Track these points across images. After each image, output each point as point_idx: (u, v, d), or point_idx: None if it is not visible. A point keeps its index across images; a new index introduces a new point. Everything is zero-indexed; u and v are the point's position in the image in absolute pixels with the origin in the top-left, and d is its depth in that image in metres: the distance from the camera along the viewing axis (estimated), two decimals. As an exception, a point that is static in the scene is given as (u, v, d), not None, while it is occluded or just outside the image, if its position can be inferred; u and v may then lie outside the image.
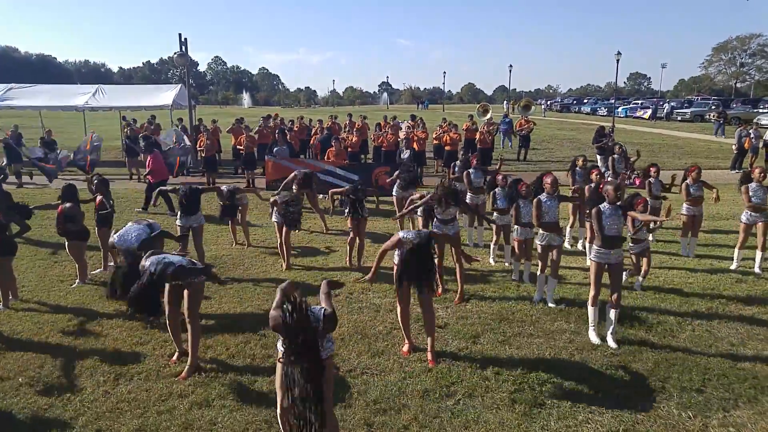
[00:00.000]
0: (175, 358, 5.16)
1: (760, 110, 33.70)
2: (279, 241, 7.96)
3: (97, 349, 5.43)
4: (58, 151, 16.33)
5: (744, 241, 7.69)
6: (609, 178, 9.53)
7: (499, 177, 7.86)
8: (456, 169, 10.17)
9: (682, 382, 4.74)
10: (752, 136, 17.18)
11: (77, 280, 7.36)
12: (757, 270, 7.65)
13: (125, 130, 18.35)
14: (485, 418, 4.19)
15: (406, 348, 5.32)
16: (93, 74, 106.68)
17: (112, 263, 8.09)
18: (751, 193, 7.57)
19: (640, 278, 6.99)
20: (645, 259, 6.89)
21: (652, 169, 8.80)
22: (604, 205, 5.53)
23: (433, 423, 4.13)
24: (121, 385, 4.72)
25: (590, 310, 5.62)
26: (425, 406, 4.36)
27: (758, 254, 7.65)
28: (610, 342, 5.45)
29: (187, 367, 4.90)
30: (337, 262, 8.28)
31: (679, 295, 6.76)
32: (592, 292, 5.59)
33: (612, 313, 5.50)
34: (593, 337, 5.54)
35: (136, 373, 4.93)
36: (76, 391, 4.63)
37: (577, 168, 9.25)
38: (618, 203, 5.59)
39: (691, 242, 8.50)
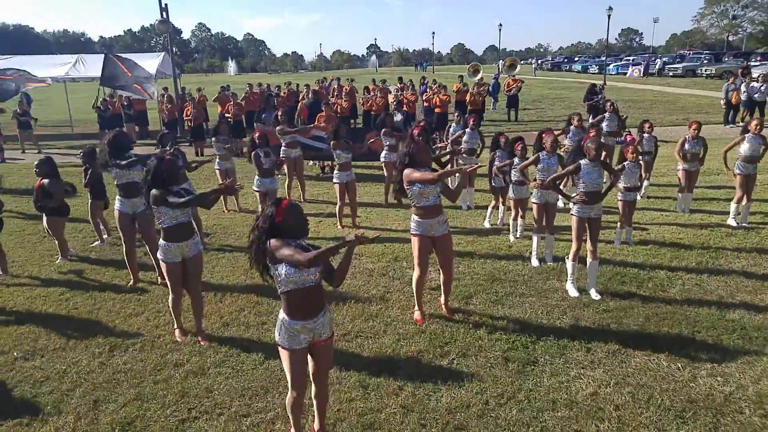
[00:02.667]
0: (181, 335, 5.01)
1: (752, 63, 33.37)
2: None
3: (91, 321, 5.43)
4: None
5: (742, 195, 7.63)
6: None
7: (502, 138, 7.79)
8: (451, 131, 10.06)
9: (672, 335, 4.81)
10: (742, 89, 17.03)
11: (59, 257, 7.27)
12: (734, 222, 7.73)
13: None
14: (479, 377, 4.24)
15: (419, 315, 5.20)
16: (73, 44, 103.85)
17: (106, 236, 8.05)
18: (746, 144, 7.55)
19: (626, 231, 7.10)
20: (628, 210, 7.01)
21: (646, 125, 8.82)
22: (585, 161, 5.57)
23: (427, 383, 4.18)
24: (116, 357, 4.73)
25: (569, 264, 5.70)
26: (419, 366, 4.41)
27: (746, 205, 7.69)
28: (593, 295, 5.58)
29: (200, 335, 4.96)
30: (329, 231, 8.26)
31: (670, 250, 6.82)
32: (573, 247, 5.67)
33: (591, 265, 5.62)
34: (571, 290, 5.65)
35: (131, 344, 4.94)
36: (72, 363, 4.63)
37: (572, 127, 9.18)
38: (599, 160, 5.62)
39: (686, 198, 8.54)
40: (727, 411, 3.78)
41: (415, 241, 5.01)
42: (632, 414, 3.77)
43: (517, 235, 7.37)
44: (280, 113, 10.14)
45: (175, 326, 5.06)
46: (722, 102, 17.71)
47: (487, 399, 3.97)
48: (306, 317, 3.20)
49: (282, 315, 3.25)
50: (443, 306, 5.34)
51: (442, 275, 5.19)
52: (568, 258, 5.75)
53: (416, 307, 5.27)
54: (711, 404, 3.85)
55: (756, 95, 16.81)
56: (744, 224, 7.66)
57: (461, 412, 3.84)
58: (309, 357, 3.35)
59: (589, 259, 5.64)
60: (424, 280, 5.21)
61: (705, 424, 3.65)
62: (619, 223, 7.12)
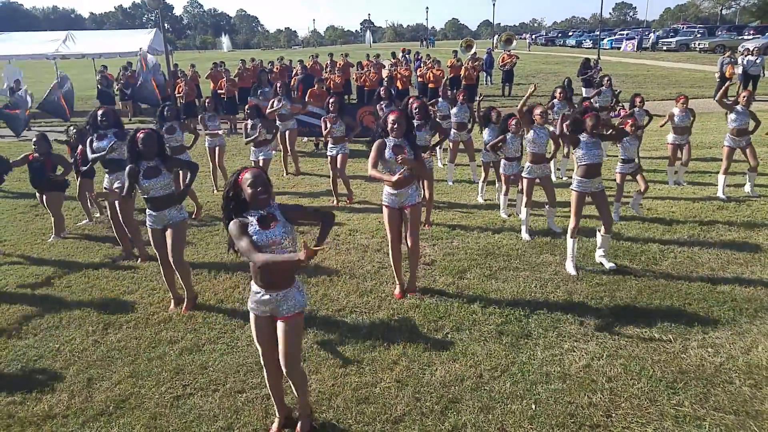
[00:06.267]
0: (172, 306, 5.14)
1: (745, 37, 33.16)
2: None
3: (84, 299, 5.40)
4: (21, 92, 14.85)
5: (728, 166, 7.71)
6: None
7: (494, 113, 7.73)
8: (438, 106, 9.95)
9: (664, 307, 4.85)
10: (739, 63, 16.97)
11: (52, 235, 7.21)
12: (747, 190, 7.81)
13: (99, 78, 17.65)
14: (473, 350, 4.27)
15: (397, 291, 5.21)
16: (63, 21, 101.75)
17: (98, 214, 7.98)
18: (734, 116, 7.55)
19: (635, 200, 7.10)
20: (640, 178, 6.93)
21: (637, 99, 8.78)
22: (583, 135, 5.51)
23: (422, 357, 4.21)
24: (110, 334, 4.72)
25: (569, 242, 5.61)
26: (414, 341, 4.42)
27: (749, 175, 7.75)
28: (606, 264, 5.62)
29: (186, 301, 5.06)
30: (323, 204, 8.23)
31: (663, 224, 6.84)
32: (572, 224, 5.59)
33: (600, 238, 5.64)
34: (570, 269, 5.58)
35: (125, 321, 4.92)
36: (65, 341, 4.61)
37: (555, 100, 9.14)
38: (596, 132, 5.56)
39: (679, 170, 8.57)
40: (718, 381, 3.83)
41: (384, 211, 5.04)
42: (624, 385, 3.82)
43: (509, 213, 7.36)
44: (279, 85, 10.02)
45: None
46: (716, 75, 17.61)
47: (481, 372, 4.00)
48: (269, 287, 3.14)
49: (252, 281, 3.26)
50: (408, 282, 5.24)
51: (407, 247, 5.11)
52: (567, 236, 5.66)
53: (396, 281, 5.24)
54: (702, 375, 3.90)
55: (751, 68, 16.75)
56: (748, 190, 7.80)
57: (455, 385, 3.87)
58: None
59: (602, 232, 5.63)
60: (400, 249, 5.15)
61: (696, 395, 3.69)
62: (623, 197, 7.13)
